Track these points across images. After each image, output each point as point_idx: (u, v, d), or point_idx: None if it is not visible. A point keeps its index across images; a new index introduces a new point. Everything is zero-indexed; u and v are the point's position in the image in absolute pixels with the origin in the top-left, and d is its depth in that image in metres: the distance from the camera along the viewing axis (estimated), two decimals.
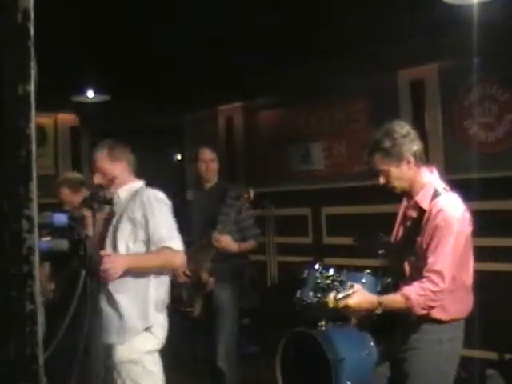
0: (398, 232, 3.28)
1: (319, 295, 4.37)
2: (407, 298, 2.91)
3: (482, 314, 5.02)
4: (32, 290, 1.12)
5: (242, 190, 4.52)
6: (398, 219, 3.29)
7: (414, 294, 2.90)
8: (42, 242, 1.90)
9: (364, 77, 6.32)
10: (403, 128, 3.06)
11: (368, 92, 6.56)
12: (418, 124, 5.92)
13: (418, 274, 2.98)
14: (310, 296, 4.52)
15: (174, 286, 4.67)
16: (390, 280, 3.24)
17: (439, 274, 2.90)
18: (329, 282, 4.46)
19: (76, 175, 4.87)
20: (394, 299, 2.97)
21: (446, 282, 2.91)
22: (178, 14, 4.55)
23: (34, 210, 1.12)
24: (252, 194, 4.45)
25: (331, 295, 2.93)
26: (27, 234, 1.12)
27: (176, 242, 3.37)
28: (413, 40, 5.29)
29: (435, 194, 3.01)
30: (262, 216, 6.96)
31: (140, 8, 4.30)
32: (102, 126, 7.77)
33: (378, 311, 2.96)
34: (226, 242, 4.57)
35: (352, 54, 5.68)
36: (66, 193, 4.51)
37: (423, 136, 5.69)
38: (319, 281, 4.56)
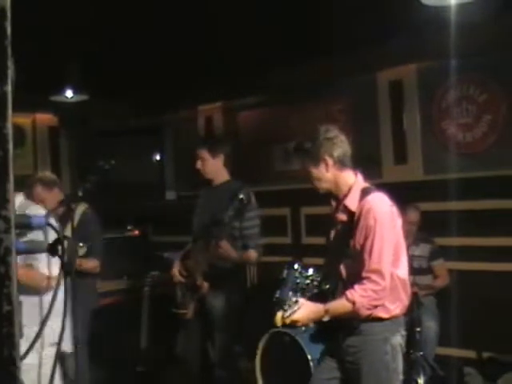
0: (330, 236, 3.30)
1: (299, 295, 4.38)
2: (351, 302, 2.96)
3: (461, 314, 5.21)
4: (9, 291, 1.10)
5: (250, 191, 4.32)
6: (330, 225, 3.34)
7: (357, 296, 2.94)
8: (19, 243, 1.95)
9: (344, 77, 6.37)
10: (328, 132, 3.13)
11: (348, 92, 6.59)
12: (397, 124, 6.15)
13: (354, 277, 3.02)
14: (290, 296, 4.52)
15: (170, 285, 4.68)
16: (328, 286, 3.22)
17: (378, 272, 2.95)
18: (308, 281, 4.42)
19: (49, 174, 4.81)
20: (339, 305, 3.02)
21: (386, 279, 2.96)
22: (156, 14, 4.57)
23: (11, 211, 1.10)
24: (253, 198, 4.35)
25: (279, 314, 3.03)
26: (4, 235, 1.10)
27: None
28: (392, 41, 5.35)
29: (362, 195, 3.07)
30: None
31: (118, 7, 4.29)
32: (80, 125, 7.85)
33: (326, 319, 3.02)
34: (226, 248, 4.35)
35: (332, 55, 5.73)
36: (39, 191, 4.46)
37: (402, 136, 6.01)
38: (299, 281, 4.53)
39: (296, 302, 3.05)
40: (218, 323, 4.54)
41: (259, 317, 5.75)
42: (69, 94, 6.50)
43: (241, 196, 4.07)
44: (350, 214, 3.06)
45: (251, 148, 7.58)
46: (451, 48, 4.88)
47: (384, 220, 2.98)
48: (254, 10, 4.53)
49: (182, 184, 7.98)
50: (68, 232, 4.03)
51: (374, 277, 2.94)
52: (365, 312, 2.99)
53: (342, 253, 3.09)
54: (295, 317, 3.00)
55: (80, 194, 4.52)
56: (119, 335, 5.76)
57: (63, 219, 4.26)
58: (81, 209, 4.73)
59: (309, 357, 4.46)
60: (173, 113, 8.11)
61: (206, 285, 4.45)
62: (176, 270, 4.58)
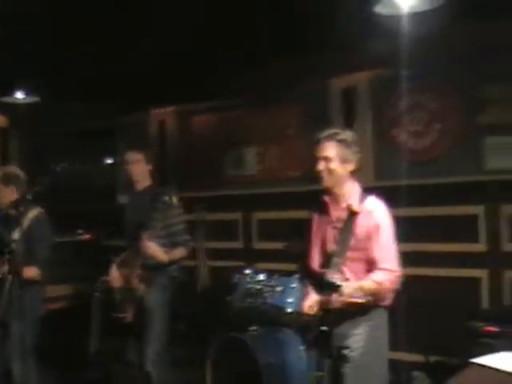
0: (324, 237, 3.31)
1: (250, 300, 4.34)
2: (379, 283, 3.09)
3: (408, 318, 5.12)
4: None
5: (172, 194, 4.35)
6: (315, 226, 3.37)
7: (382, 279, 3.10)
8: None
9: (298, 83, 6.34)
10: (354, 136, 3.30)
11: (301, 99, 6.58)
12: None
13: (358, 275, 3.13)
14: (241, 301, 4.47)
15: (109, 291, 4.69)
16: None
17: (392, 262, 3.13)
18: (259, 286, 4.45)
19: (11, 169, 4.70)
20: (370, 285, 3.10)
21: (398, 268, 3.16)
22: (106, 16, 4.58)
23: None
24: (174, 199, 4.33)
25: (334, 295, 2.98)
26: None
27: None
28: (345, 48, 5.38)
29: (362, 196, 3.20)
30: (193, 221, 6.81)
31: (71, 8, 4.31)
32: (31, 127, 7.73)
33: (362, 299, 3.04)
34: (153, 249, 4.38)
35: (287, 61, 5.75)
36: None
37: None
38: (250, 285, 4.54)
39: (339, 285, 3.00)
40: (155, 320, 4.57)
41: (211, 321, 5.91)
42: (20, 95, 6.47)
43: (164, 197, 4.21)
44: (352, 213, 3.15)
45: (204, 153, 7.54)
46: (403, 56, 4.91)
47: (388, 219, 3.17)
48: (202, 11, 4.57)
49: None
50: (17, 235, 4.04)
51: (389, 266, 3.12)
52: (388, 295, 3.17)
53: (340, 253, 3.13)
54: (349, 291, 3.00)
55: (29, 197, 4.37)
56: (68, 340, 5.74)
57: (15, 221, 4.23)
58: (33, 213, 4.59)
59: (260, 361, 4.41)
60: (126, 116, 8.06)
61: (142, 287, 4.47)
62: (113, 275, 4.62)
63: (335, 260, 3.10)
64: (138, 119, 8.06)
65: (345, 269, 3.14)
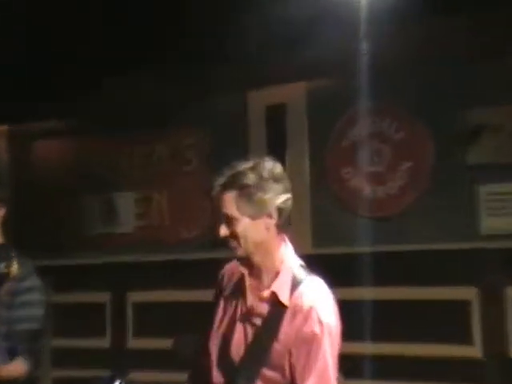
0: (230, 336, 2.67)
1: None
2: None
3: None
4: None
5: (13, 258, 3.35)
6: (220, 313, 2.74)
7: None
8: None
9: (197, 101, 5.62)
10: (276, 167, 2.57)
11: (203, 121, 5.69)
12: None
13: None
14: None
15: None
16: None
17: None
18: None
19: None
20: None
21: None
22: None
23: None
24: (14, 269, 3.30)
25: None
26: None
27: None
28: (266, 55, 4.98)
29: (295, 281, 2.53)
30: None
31: None
32: None
33: None
34: None
35: (179, 72, 5.32)
36: None
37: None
38: None
39: None
40: None
41: None
42: None
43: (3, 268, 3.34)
44: (279, 305, 2.54)
45: (53, 196, 6.33)
46: (354, 64, 4.57)
47: (333, 325, 2.48)
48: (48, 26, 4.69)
49: None
50: None
51: None
52: None
53: (258, 360, 2.56)
54: None
55: None
56: None
57: None
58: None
59: None
60: None
61: None
62: None
63: (241, 379, 2.56)
64: None
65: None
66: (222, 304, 2.73)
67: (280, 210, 2.49)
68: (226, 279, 2.77)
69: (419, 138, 4.87)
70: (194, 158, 5.72)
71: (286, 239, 2.62)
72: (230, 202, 2.52)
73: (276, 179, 2.50)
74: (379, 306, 4.68)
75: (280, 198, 2.49)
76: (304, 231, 5.08)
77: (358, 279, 4.62)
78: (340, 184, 5.11)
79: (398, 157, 4.95)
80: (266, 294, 2.52)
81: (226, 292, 2.73)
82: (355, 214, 4.99)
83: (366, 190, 5.01)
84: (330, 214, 5.14)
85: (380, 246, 4.82)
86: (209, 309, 2.81)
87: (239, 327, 2.61)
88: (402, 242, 4.84)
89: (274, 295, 2.52)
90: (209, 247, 5.08)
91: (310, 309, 2.45)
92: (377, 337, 4.71)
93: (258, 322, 2.56)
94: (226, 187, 2.53)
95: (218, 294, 2.76)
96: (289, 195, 2.53)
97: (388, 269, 4.71)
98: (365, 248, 4.77)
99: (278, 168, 2.55)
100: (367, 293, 4.71)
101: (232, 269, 2.76)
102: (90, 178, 6.20)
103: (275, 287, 2.50)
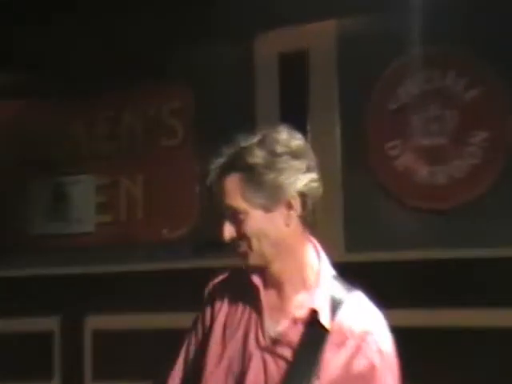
0: (241, 374, 2.12)
1: None
2: None
3: None
4: None
5: None
6: (217, 348, 2.22)
7: None
8: None
9: (183, 48, 4.66)
10: (293, 139, 2.11)
11: (192, 76, 4.69)
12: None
13: None
14: None
15: None
16: None
17: None
18: None
19: None
20: None
21: None
22: None
23: None
24: None
25: None
26: None
27: None
28: None
29: (335, 297, 2.11)
30: None
31: None
32: None
33: None
34: None
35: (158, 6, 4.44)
36: None
37: None
38: None
39: None
40: None
41: None
42: None
43: None
44: (318, 329, 2.14)
45: None
46: None
47: (392, 358, 2.09)
48: None
49: None
50: None
51: None
52: None
53: None
54: None
55: None
56: None
57: None
58: None
59: None
60: None
61: None
62: None
63: None
64: None
65: None
66: (216, 334, 2.24)
67: (303, 195, 2.10)
68: (217, 300, 2.31)
69: (498, 99, 3.88)
70: (178, 129, 4.71)
71: (314, 240, 2.20)
72: (234, 190, 2.17)
73: (294, 154, 2.11)
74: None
75: (301, 179, 2.11)
76: (334, 230, 4.13)
77: (406, 297, 3.69)
78: (384, 163, 4.15)
79: (467, 125, 3.96)
80: (300, 313, 2.11)
81: (221, 317, 2.28)
82: (405, 206, 4.08)
83: (422, 171, 4.06)
84: (369, 207, 4.19)
85: (439, 250, 3.91)
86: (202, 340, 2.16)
87: (256, 363, 2.16)
88: (471, 246, 3.88)
89: (310, 316, 2.12)
90: (199, 252, 4.34)
91: (365, 334, 2.09)
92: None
93: (286, 353, 2.14)
94: (226, 170, 2.19)
95: (203, 321, 2.28)
96: (314, 175, 2.13)
97: (451, 282, 3.82)
98: (418, 253, 3.91)
99: (296, 140, 2.15)
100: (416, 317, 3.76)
101: (222, 286, 2.33)
102: (33, 155, 5.13)
103: (315, 304, 2.10)
